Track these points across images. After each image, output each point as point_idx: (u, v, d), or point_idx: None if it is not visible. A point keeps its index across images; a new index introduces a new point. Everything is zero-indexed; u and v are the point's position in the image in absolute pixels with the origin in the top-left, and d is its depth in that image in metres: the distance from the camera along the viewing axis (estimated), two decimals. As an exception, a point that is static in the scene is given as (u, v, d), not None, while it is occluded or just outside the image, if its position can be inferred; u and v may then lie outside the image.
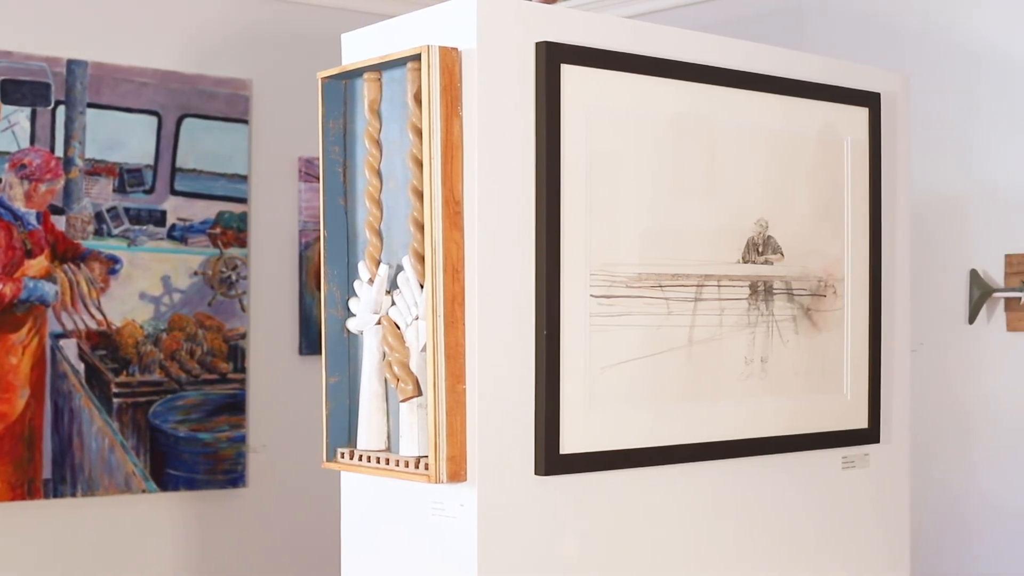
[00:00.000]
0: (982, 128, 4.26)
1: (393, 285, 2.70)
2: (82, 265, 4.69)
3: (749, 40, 3.10)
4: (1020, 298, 4.10)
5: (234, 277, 5.01)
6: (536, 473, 2.66)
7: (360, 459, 2.75)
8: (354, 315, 2.76)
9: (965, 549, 4.26)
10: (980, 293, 4.18)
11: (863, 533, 3.31)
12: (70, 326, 4.66)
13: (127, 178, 4.79)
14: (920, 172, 4.03)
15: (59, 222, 4.65)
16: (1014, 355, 4.16)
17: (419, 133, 2.60)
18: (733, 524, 3.02)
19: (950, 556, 4.29)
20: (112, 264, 4.75)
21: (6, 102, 4.60)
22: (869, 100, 3.27)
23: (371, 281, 2.73)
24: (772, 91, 3.06)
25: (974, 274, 4.20)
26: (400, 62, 2.67)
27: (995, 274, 4.19)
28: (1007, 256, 4.16)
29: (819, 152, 3.17)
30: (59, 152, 4.66)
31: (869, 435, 3.28)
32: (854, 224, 3.24)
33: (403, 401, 2.64)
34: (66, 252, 4.66)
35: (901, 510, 3.40)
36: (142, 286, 4.81)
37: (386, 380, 2.71)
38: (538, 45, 2.65)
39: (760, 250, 3.03)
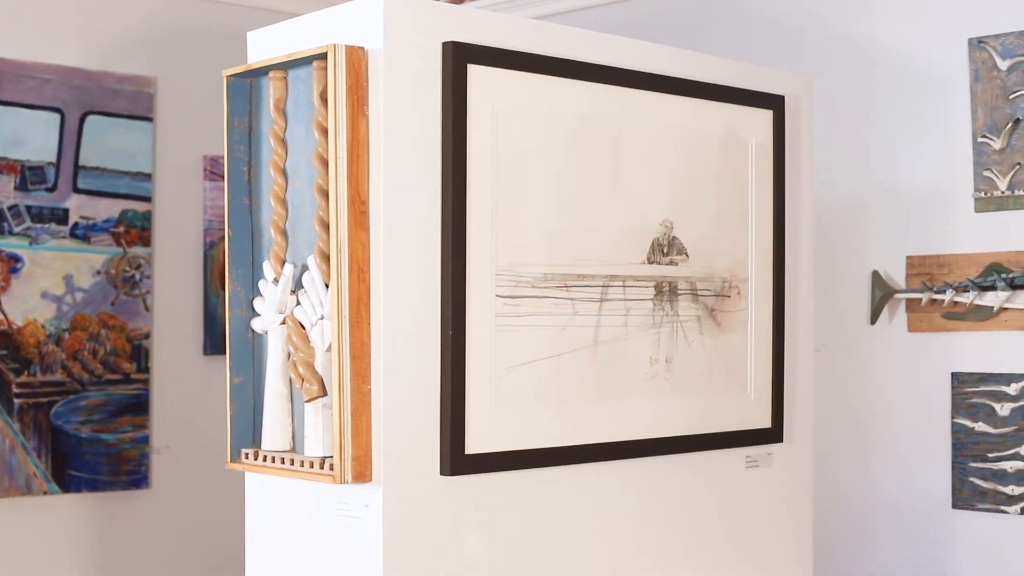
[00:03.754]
0: (883, 131, 4.31)
1: (298, 285, 2.69)
2: (-18, 264, 4.61)
3: (655, 42, 3.11)
4: (921, 299, 4.15)
5: (138, 276, 4.95)
6: (441, 473, 2.66)
7: (264, 459, 2.73)
8: (259, 315, 2.75)
9: (866, 546, 4.31)
10: (882, 294, 4.23)
11: (767, 531, 3.34)
12: (-31, 325, 4.59)
13: (29, 175, 4.72)
14: (822, 174, 4.07)
15: (-42, 220, 4.59)
16: (915, 356, 4.22)
17: (325, 132, 2.59)
18: (639, 523, 3.04)
19: (851, 553, 4.34)
20: (13, 263, 4.68)
21: (-96, 97, 4.53)
22: (773, 102, 3.30)
23: (276, 281, 2.71)
24: (678, 93, 3.08)
25: (876, 275, 4.25)
26: (306, 61, 2.65)
27: (896, 275, 4.24)
28: (908, 257, 4.21)
29: (724, 154, 3.19)
30: (-41, 149, 4.59)
31: (772, 434, 3.32)
32: (758, 225, 3.27)
33: (308, 401, 2.63)
34: (-34, 250, 4.59)
35: (804, 508, 3.44)
36: (44, 285, 4.74)
37: (291, 380, 2.70)
38: (444, 45, 2.65)
39: (665, 251, 3.05)
